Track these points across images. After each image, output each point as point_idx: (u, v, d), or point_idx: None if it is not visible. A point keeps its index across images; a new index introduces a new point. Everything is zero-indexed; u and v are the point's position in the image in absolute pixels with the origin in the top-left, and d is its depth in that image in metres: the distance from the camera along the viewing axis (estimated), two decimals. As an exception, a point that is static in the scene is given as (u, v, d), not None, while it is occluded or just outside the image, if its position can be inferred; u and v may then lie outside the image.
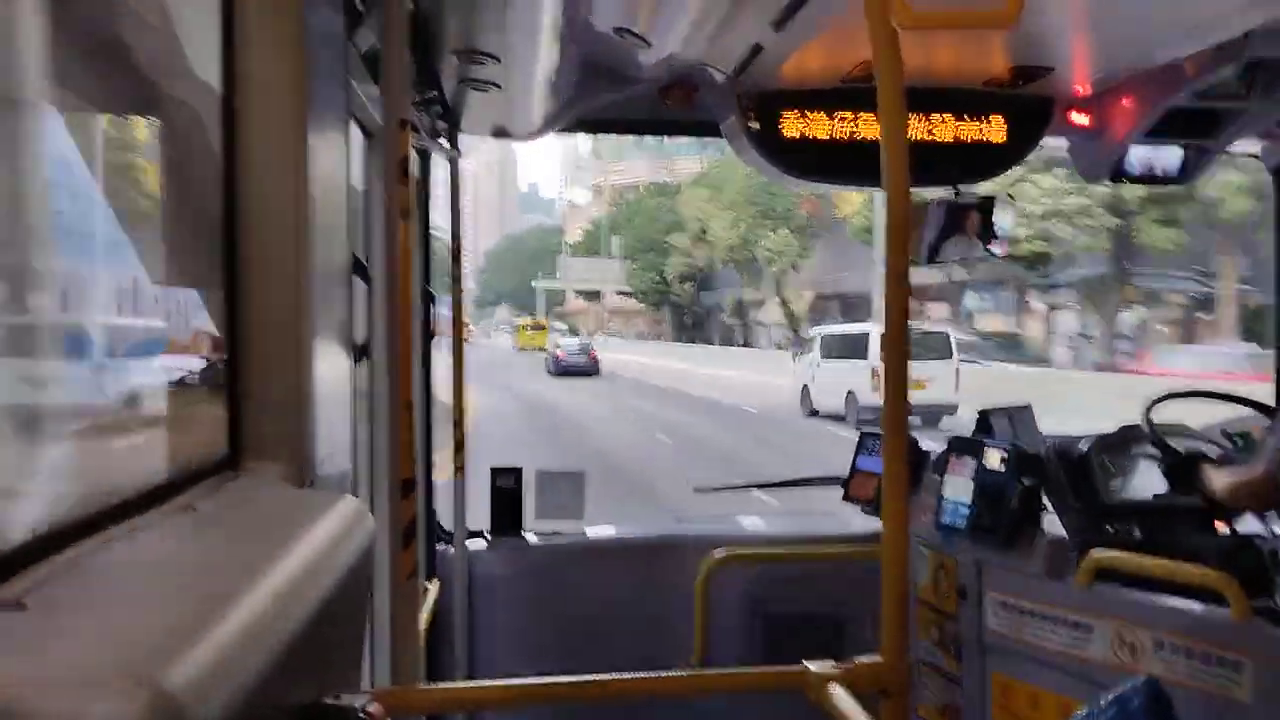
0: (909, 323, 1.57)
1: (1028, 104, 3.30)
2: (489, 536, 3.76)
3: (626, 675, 1.50)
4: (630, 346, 57.31)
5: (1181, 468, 3.04)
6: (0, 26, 0.86)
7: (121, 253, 1.25)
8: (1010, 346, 34.99)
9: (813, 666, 1.48)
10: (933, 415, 19.76)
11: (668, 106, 3.22)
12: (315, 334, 1.31)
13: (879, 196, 3.75)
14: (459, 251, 3.40)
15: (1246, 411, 3.57)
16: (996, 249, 3.56)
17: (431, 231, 3.68)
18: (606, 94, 3.19)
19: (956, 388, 19.94)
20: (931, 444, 3.45)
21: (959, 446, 3.21)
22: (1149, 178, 3.54)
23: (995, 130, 3.32)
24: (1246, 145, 3.58)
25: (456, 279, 3.40)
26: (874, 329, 22.16)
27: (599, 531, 4.00)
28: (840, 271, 42.35)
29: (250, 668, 0.77)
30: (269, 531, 1.06)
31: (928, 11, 1.48)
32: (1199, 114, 3.27)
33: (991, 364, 28.91)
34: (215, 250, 1.26)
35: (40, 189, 0.97)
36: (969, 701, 3.16)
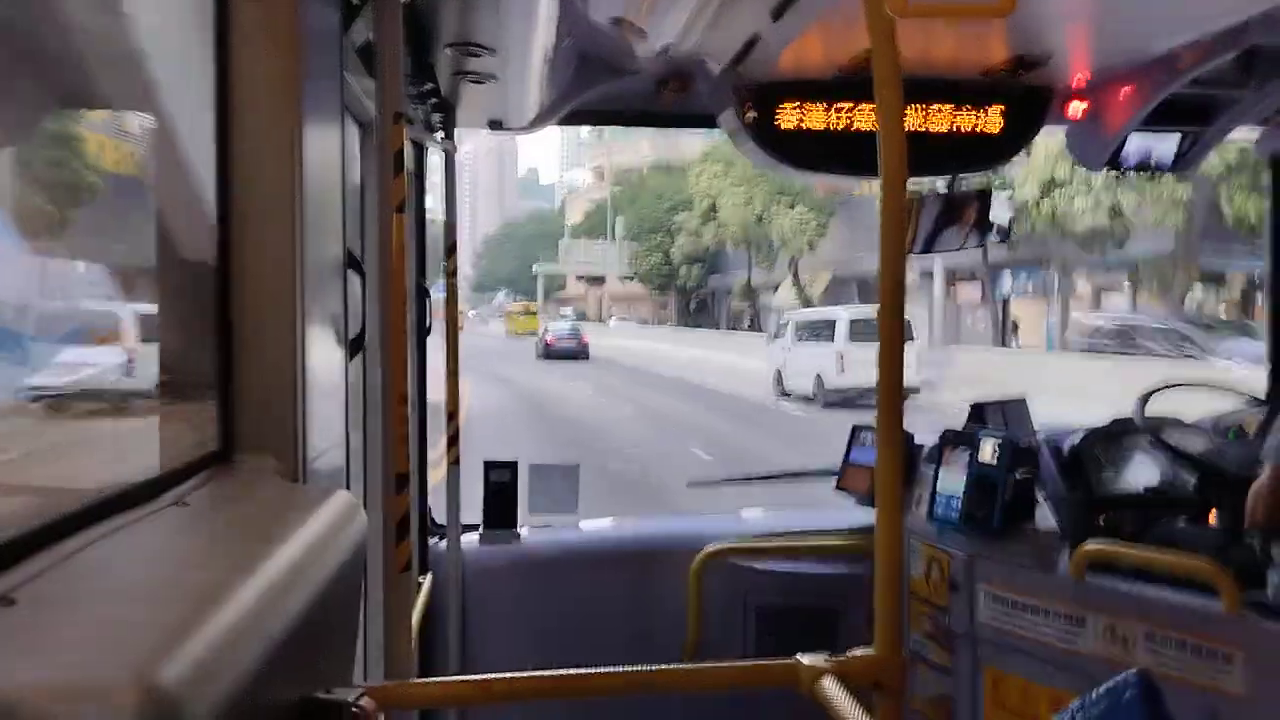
0: (904, 313, 1.57)
1: (1025, 94, 3.29)
2: (483, 530, 3.76)
3: (619, 669, 1.50)
4: (636, 332, 55.38)
5: (1208, 486, 2.96)
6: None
7: (113, 245, 1.24)
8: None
9: (806, 660, 1.48)
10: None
11: (664, 98, 3.21)
12: (308, 327, 1.31)
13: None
14: (454, 245, 3.39)
15: (1240, 404, 3.58)
16: (993, 239, 3.56)
17: (429, 218, 3.67)
18: (603, 86, 3.18)
19: (919, 370, 20.61)
20: (925, 437, 3.45)
21: (952, 439, 3.21)
22: (1146, 166, 3.54)
23: (993, 120, 3.32)
24: (1243, 133, 3.59)
25: (451, 272, 3.39)
26: (842, 314, 23.93)
27: (593, 526, 4.00)
28: (859, 252, 38.36)
29: (243, 662, 0.77)
30: (261, 526, 1.06)
31: (925, 1, 1.47)
32: (1196, 102, 3.27)
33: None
34: (209, 243, 1.25)
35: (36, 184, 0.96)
36: (960, 694, 3.17)
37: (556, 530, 3.89)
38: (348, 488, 1.61)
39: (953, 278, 36.66)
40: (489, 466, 3.75)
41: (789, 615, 3.66)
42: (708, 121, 3.39)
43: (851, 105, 3.24)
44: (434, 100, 3.04)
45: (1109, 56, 3.06)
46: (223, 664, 0.74)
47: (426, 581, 3.37)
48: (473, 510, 3.70)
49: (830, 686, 1.41)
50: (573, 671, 1.46)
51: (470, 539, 3.69)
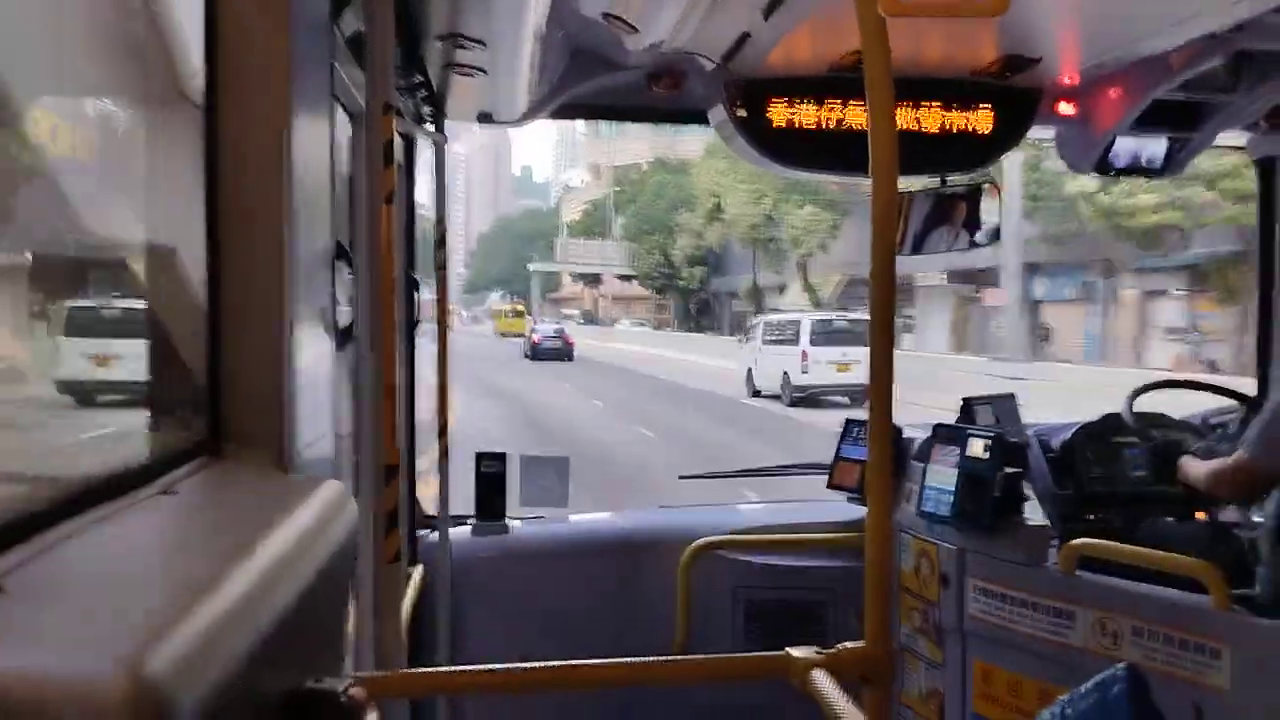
0: (894, 312, 1.58)
1: (1015, 94, 3.30)
2: (473, 522, 3.76)
3: (609, 661, 1.50)
4: (653, 339, 51.03)
5: (1161, 457, 3.08)
6: None
7: (100, 235, 1.24)
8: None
9: (795, 653, 1.48)
10: (860, 394, 21.23)
11: (655, 93, 3.21)
12: (297, 318, 1.31)
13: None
14: (444, 236, 3.39)
15: (1228, 402, 3.60)
16: (981, 239, 3.57)
17: (419, 211, 3.67)
18: (594, 80, 3.18)
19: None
20: (916, 432, 3.46)
21: (943, 435, 3.22)
22: (1134, 169, 3.56)
23: (982, 120, 3.33)
24: (1232, 137, 3.61)
25: (441, 264, 3.39)
26: (804, 318, 25.52)
27: (583, 518, 4.00)
28: None
29: (232, 653, 0.77)
30: (250, 516, 1.05)
31: None
32: (1185, 105, 3.29)
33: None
34: (197, 233, 1.25)
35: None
36: (950, 687, 3.18)
37: (547, 522, 3.89)
38: (337, 478, 1.61)
39: (976, 281, 34.98)
40: (480, 458, 3.75)
41: (779, 609, 3.67)
42: (698, 117, 3.39)
43: (842, 103, 3.24)
44: (424, 92, 3.03)
45: (1098, 58, 3.07)
46: (211, 653, 0.74)
47: (417, 572, 3.37)
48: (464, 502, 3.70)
49: (820, 680, 1.42)
50: (562, 663, 1.46)
51: (461, 530, 3.69)
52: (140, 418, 1.24)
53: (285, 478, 1.25)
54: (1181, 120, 3.36)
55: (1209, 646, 2.48)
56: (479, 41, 2.57)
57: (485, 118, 3.53)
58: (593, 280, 73.50)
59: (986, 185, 3.55)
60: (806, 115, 3.25)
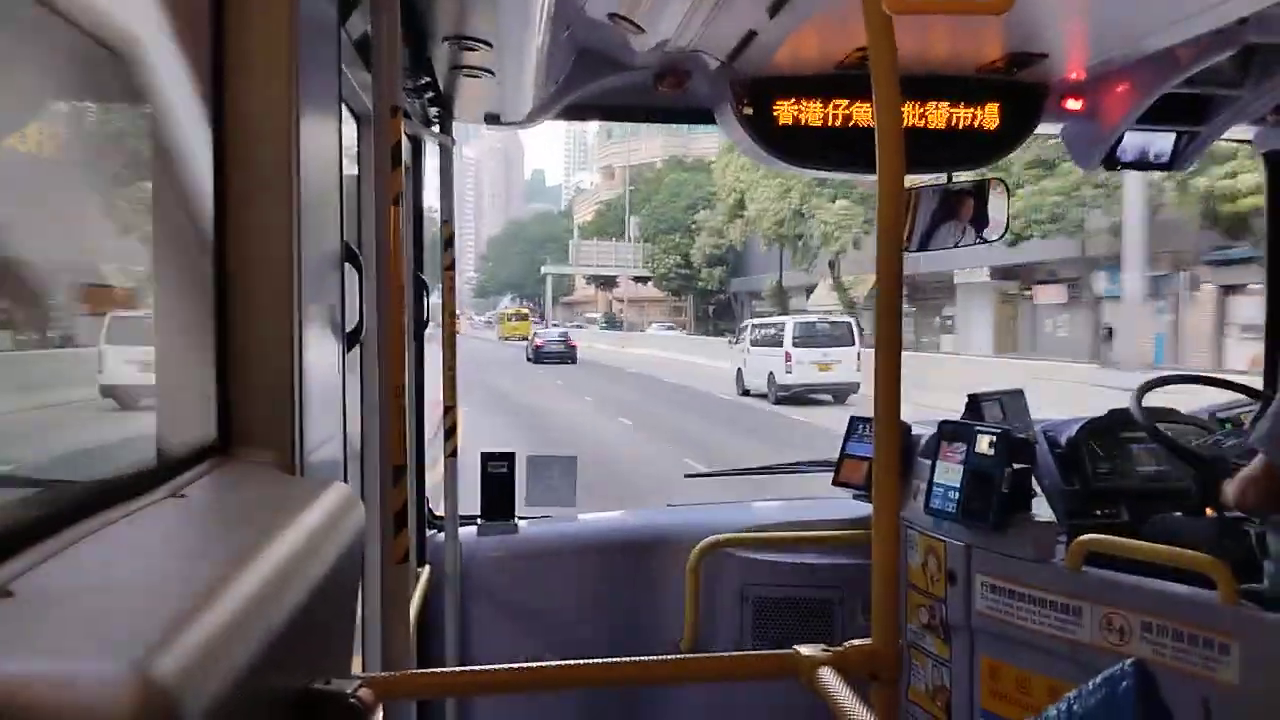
0: (902, 311, 1.58)
1: (1022, 90, 3.30)
2: (480, 522, 3.76)
3: (617, 661, 1.51)
4: (665, 342, 49.09)
5: (1205, 479, 2.96)
6: None
7: (110, 239, 1.25)
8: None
9: (803, 651, 1.48)
10: (841, 391, 24.38)
11: (661, 93, 3.22)
12: (305, 320, 1.31)
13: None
14: (452, 238, 3.40)
15: (1236, 396, 3.59)
16: (990, 236, 3.57)
17: (427, 215, 3.68)
18: (600, 80, 3.18)
19: (858, 369, 24.02)
20: (921, 429, 3.46)
21: (949, 431, 3.22)
22: (1141, 164, 3.55)
23: (989, 117, 3.32)
24: (1239, 131, 3.60)
25: (449, 266, 3.40)
26: (788, 321, 27.26)
27: (590, 517, 4.01)
28: (910, 250, 33.77)
29: (241, 655, 0.78)
30: (259, 518, 1.06)
31: None
32: (1192, 100, 3.28)
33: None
34: (205, 236, 1.26)
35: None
36: (958, 684, 3.18)
37: (554, 521, 3.89)
38: (345, 480, 1.62)
39: (1028, 277, 33.02)
40: (486, 458, 3.76)
41: (787, 606, 3.67)
42: (705, 117, 3.39)
43: (848, 101, 3.24)
44: (431, 94, 3.04)
45: (1105, 54, 3.07)
46: (220, 656, 0.74)
47: (424, 573, 3.38)
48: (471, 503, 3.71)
49: (827, 677, 1.42)
50: (571, 662, 1.47)
51: (468, 530, 3.70)
52: (149, 420, 1.24)
53: (294, 479, 1.26)
54: (1189, 115, 3.35)
55: (1217, 642, 2.47)
56: (485, 43, 2.57)
57: (492, 119, 3.54)
58: (607, 283, 72.20)
59: (993, 181, 3.55)
60: (813, 113, 3.25)
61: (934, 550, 3.23)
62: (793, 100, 3.24)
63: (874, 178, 1.50)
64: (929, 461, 3.25)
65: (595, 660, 1.49)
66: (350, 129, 2.37)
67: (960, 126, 3.31)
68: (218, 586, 0.81)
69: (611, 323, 66.52)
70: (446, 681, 2.03)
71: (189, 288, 1.31)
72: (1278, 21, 2.68)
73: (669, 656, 1.58)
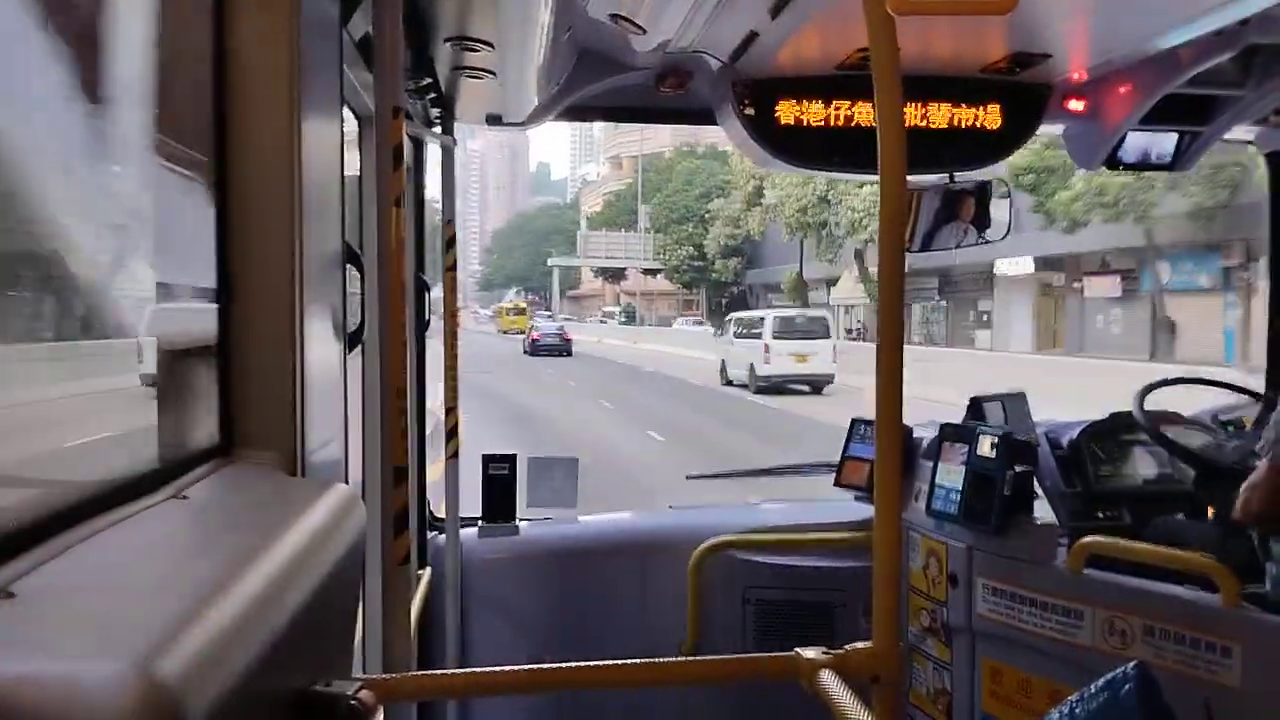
0: (904, 309, 1.58)
1: (1024, 91, 3.29)
2: (481, 524, 3.76)
3: (618, 662, 1.51)
4: (696, 339, 45.35)
5: (1206, 481, 2.96)
6: None
7: (115, 240, 1.25)
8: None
9: (804, 653, 1.48)
10: (817, 382, 26.17)
11: (663, 94, 3.22)
12: (307, 321, 1.31)
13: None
14: (453, 239, 3.40)
15: (1238, 398, 3.59)
16: (992, 235, 3.57)
17: (432, 205, 3.68)
18: (601, 81, 3.18)
19: (834, 361, 26.11)
20: (923, 432, 3.45)
21: (951, 433, 3.22)
22: (1144, 164, 3.55)
23: (991, 117, 3.32)
24: (1241, 132, 3.59)
25: (450, 267, 3.40)
26: (768, 315, 28.97)
27: (591, 519, 4.01)
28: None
29: (242, 656, 0.78)
30: (261, 519, 1.06)
31: None
32: (1194, 100, 3.28)
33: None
34: (207, 236, 1.26)
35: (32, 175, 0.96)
36: (959, 687, 3.18)
37: (555, 523, 3.89)
38: (346, 481, 1.62)
39: (1077, 267, 30.91)
40: (488, 460, 3.76)
41: (788, 609, 3.67)
42: (706, 117, 3.39)
43: (850, 102, 3.24)
44: (432, 95, 3.04)
45: (1107, 54, 3.06)
46: (221, 657, 0.74)
47: (425, 575, 3.38)
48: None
49: (829, 680, 1.42)
50: (571, 665, 1.47)
51: (469, 532, 3.70)
52: (152, 421, 1.24)
53: (295, 481, 1.26)
54: (1191, 115, 3.35)
55: (1219, 645, 2.47)
56: (487, 44, 2.58)
57: (494, 120, 3.54)
58: (615, 276, 70.41)
59: (995, 181, 3.55)
60: (814, 114, 3.25)
61: (935, 553, 3.22)
62: (794, 101, 3.23)
63: (877, 178, 1.50)
64: (931, 463, 3.24)
65: (596, 662, 1.49)
66: (352, 129, 2.37)
67: (962, 127, 3.31)
68: (219, 587, 0.81)
69: (632, 317, 63.90)
70: (447, 683, 2.03)
71: (190, 288, 1.31)
72: (1279, 22, 2.67)
73: (670, 659, 1.57)
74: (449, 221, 3.42)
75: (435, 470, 3.67)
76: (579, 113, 3.49)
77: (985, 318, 36.71)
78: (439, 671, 3.15)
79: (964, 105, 3.29)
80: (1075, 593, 2.80)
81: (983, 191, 3.50)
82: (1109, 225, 27.05)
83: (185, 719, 0.65)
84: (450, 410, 3.40)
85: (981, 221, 3.52)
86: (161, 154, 1.30)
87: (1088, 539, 2.82)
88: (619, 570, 3.74)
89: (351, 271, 1.78)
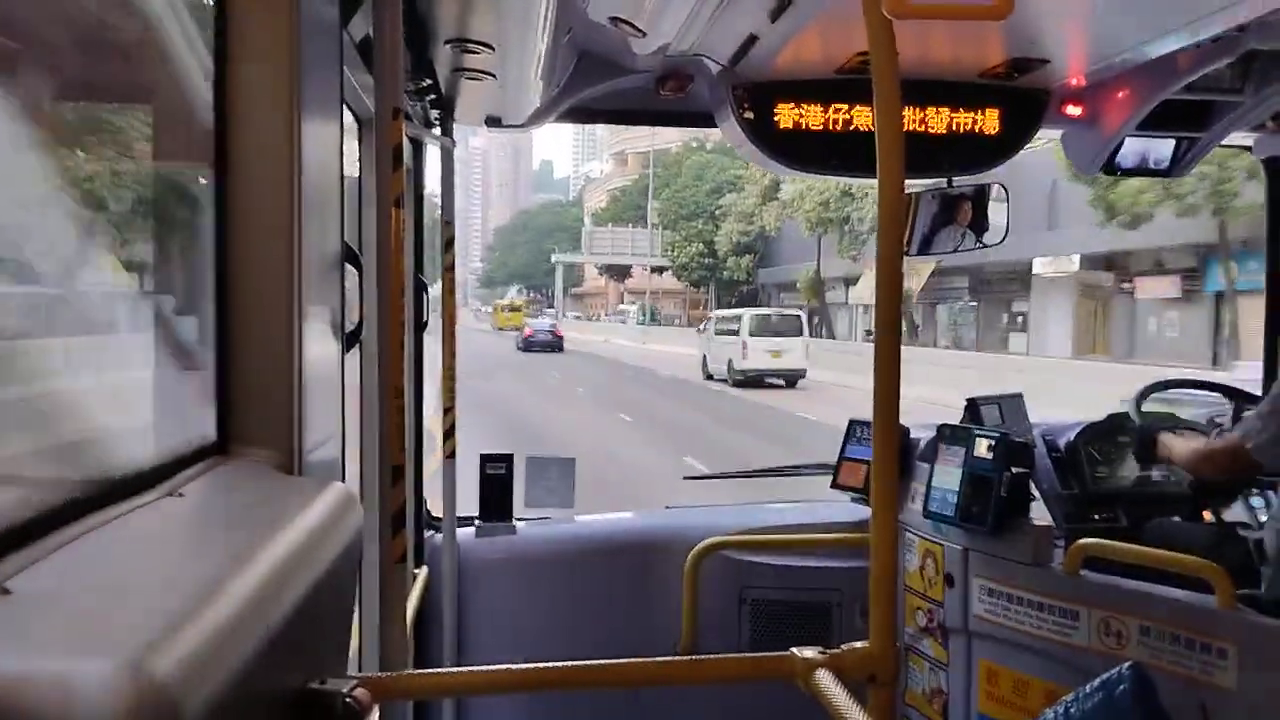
0: (900, 312, 1.58)
1: (1022, 96, 3.30)
2: (478, 523, 3.76)
3: (614, 662, 1.51)
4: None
5: (1144, 442, 3.10)
6: None
7: (113, 238, 1.25)
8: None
9: (800, 653, 1.48)
10: (791, 376, 29.03)
11: (662, 97, 3.22)
12: (305, 320, 1.32)
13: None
14: (452, 240, 3.41)
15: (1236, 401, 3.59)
16: (990, 240, 3.57)
17: (432, 201, 3.68)
18: (601, 84, 3.19)
19: (806, 357, 29.21)
20: (919, 433, 3.46)
21: (948, 435, 3.22)
22: (1141, 170, 3.55)
23: (990, 122, 3.32)
24: (1239, 138, 3.60)
25: (449, 267, 3.41)
26: (745, 313, 31.53)
27: (588, 519, 4.01)
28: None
29: (238, 654, 0.78)
30: (257, 517, 1.06)
31: (922, 2, 1.48)
32: (1192, 106, 3.28)
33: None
34: (206, 236, 1.26)
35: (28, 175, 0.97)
36: (955, 687, 3.18)
37: (552, 523, 3.89)
38: (344, 480, 1.62)
39: (1129, 266, 28.55)
40: (485, 459, 3.76)
41: (784, 609, 3.68)
42: (706, 120, 3.40)
43: (849, 106, 3.24)
44: (432, 96, 3.04)
45: (1105, 60, 3.07)
46: (217, 655, 0.74)
47: (422, 574, 3.38)
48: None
49: (825, 680, 1.42)
50: (568, 664, 1.47)
51: (466, 531, 3.70)
52: (149, 419, 1.25)
53: (292, 479, 1.26)
54: (1189, 121, 3.35)
55: (1215, 646, 2.48)
56: (487, 46, 2.58)
57: (493, 122, 3.54)
58: (620, 273, 68.92)
59: (993, 186, 3.55)
60: (814, 117, 3.26)
61: (932, 553, 3.23)
62: (794, 104, 3.24)
63: (875, 181, 1.50)
64: (927, 465, 3.25)
65: (592, 662, 1.50)
66: (351, 130, 2.38)
67: (960, 131, 3.32)
68: (215, 586, 0.81)
69: (653, 316, 60.58)
70: (443, 682, 2.04)
71: (189, 287, 1.31)
72: (1278, 28, 2.68)
73: (666, 658, 1.58)
74: (448, 222, 3.42)
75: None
76: (578, 115, 3.49)
77: (1020, 320, 34.49)
78: (435, 670, 3.15)
79: (962, 110, 3.30)
80: (1071, 594, 2.81)
81: (980, 196, 3.51)
82: (1178, 220, 24.73)
83: (180, 717, 0.65)
84: (448, 410, 3.40)
85: (979, 226, 3.53)
86: (161, 153, 1.31)
87: (1084, 540, 2.83)
88: (615, 570, 3.75)
89: (350, 271, 1.78)
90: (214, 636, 0.75)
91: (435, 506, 3.67)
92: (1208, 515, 3.17)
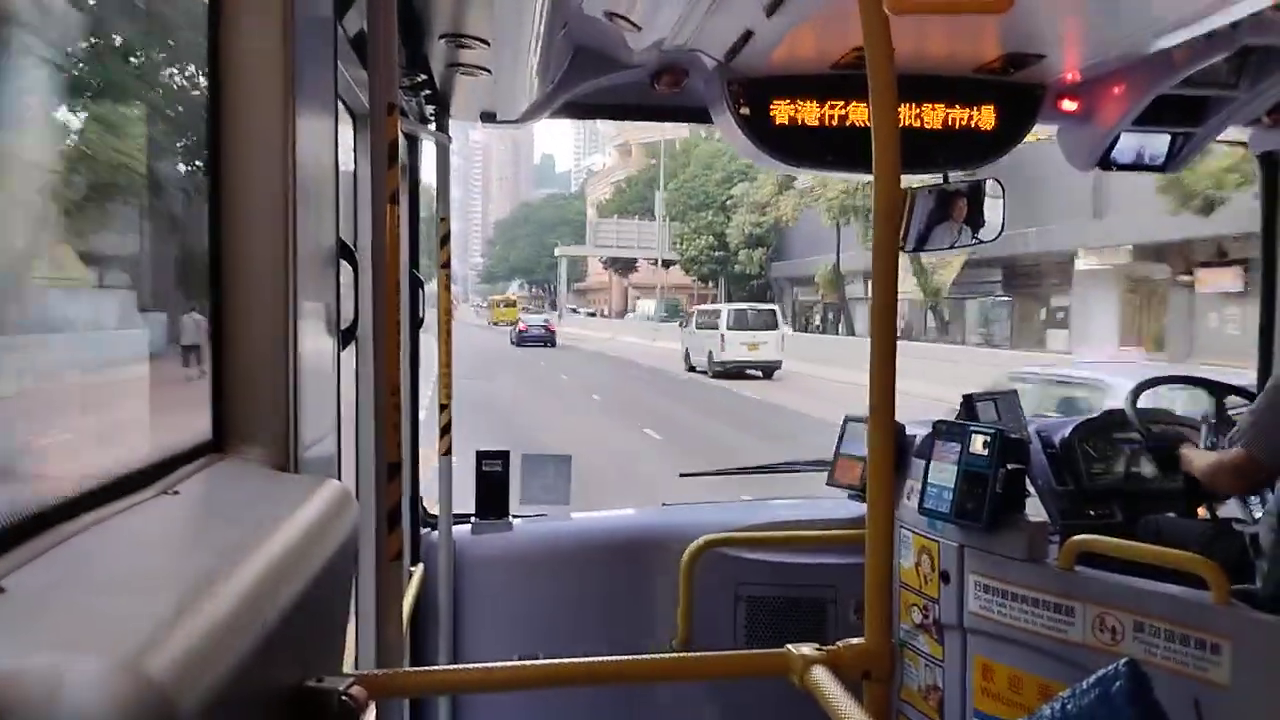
0: (896, 308, 1.58)
1: (1018, 91, 3.30)
2: (474, 520, 3.76)
3: (610, 659, 1.51)
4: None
5: (1166, 451, 3.11)
6: None
7: (107, 234, 1.25)
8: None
9: (796, 650, 1.48)
10: (768, 368, 30.27)
11: (658, 92, 3.22)
12: (301, 317, 1.31)
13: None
14: (447, 236, 3.40)
15: (1234, 398, 3.60)
16: (985, 236, 3.57)
17: (430, 194, 3.68)
18: (596, 79, 3.18)
19: (781, 350, 30.81)
20: (915, 430, 3.46)
21: (944, 431, 3.22)
22: (1137, 165, 3.55)
23: (986, 117, 3.32)
24: (1235, 133, 3.61)
25: (444, 263, 3.40)
26: (724, 308, 32.64)
27: (584, 516, 4.01)
28: (1014, 228, 13.87)
29: (233, 651, 0.78)
30: (253, 515, 1.06)
31: None
32: (1187, 101, 3.28)
33: None
34: (201, 232, 1.26)
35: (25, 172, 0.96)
36: (950, 683, 3.19)
37: (548, 520, 3.89)
38: (339, 477, 1.62)
39: (1187, 257, 25.17)
40: (481, 456, 3.76)
41: (780, 606, 3.68)
42: (701, 116, 3.39)
43: (845, 101, 3.24)
44: (427, 92, 3.04)
45: (1101, 55, 3.07)
46: (213, 653, 0.74)
47: (418, 571, 3.38)
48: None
49: (820, 676, 1.42)
50: (564, 661, 1.47)
51: (462, 529, 3.70)
52: (144, 416, 1.24)
53: (288, 477, 1.26)
54: (1184, 116, 3.36)
55: (1209, 642, 2.48)
56: (482, 41, 2.57)
57: (488, 117, 3.53)
58: (624, 267, 66.94)
59: (988, 182, 3.55)
60: (809, 113, 3.25)
61: (927, 550, 3.23)
62: (789, 100, 3.24)
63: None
64: (923, 461, 3.25)
65: (588, 659, 1.50)
66: (346, 126, 2.37)
67: (956, 127, 3.32)
68: (211, 584, 0.81)
69: (674, 313, 55.80)
70: (439, 679, 2.04)
71: (184, 283, 1.31)
72: (1272, 23, 2.68)
73: (662, 655, 1.58)
74: (444, 218, 3.42)
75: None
76: (574, 110, 3.49)
77: (1060, 315, 31.36)
78: (431, 668, 3.15)
79: (958, 105, 3.30)
80: (1066, 590, 2.81)
81: (976, 192, 3.51)
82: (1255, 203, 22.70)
83: (176, 715, 0.65)
84: (444, 407, 3.40)
85: (975, 222, 3.53)
86: (155, 148, 1.30)
87: (1079, 537, 2.83)
88: (611, 567, 3.75)
89: (345, 268, 1.78)
90: (209, 634, 0.74)
91: (431, 504, 3.67)
92: (1202, 511, 3.18)
